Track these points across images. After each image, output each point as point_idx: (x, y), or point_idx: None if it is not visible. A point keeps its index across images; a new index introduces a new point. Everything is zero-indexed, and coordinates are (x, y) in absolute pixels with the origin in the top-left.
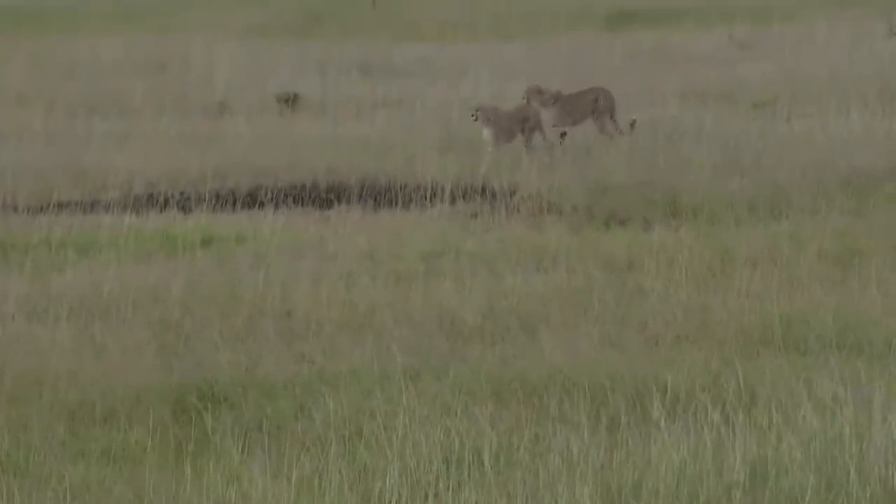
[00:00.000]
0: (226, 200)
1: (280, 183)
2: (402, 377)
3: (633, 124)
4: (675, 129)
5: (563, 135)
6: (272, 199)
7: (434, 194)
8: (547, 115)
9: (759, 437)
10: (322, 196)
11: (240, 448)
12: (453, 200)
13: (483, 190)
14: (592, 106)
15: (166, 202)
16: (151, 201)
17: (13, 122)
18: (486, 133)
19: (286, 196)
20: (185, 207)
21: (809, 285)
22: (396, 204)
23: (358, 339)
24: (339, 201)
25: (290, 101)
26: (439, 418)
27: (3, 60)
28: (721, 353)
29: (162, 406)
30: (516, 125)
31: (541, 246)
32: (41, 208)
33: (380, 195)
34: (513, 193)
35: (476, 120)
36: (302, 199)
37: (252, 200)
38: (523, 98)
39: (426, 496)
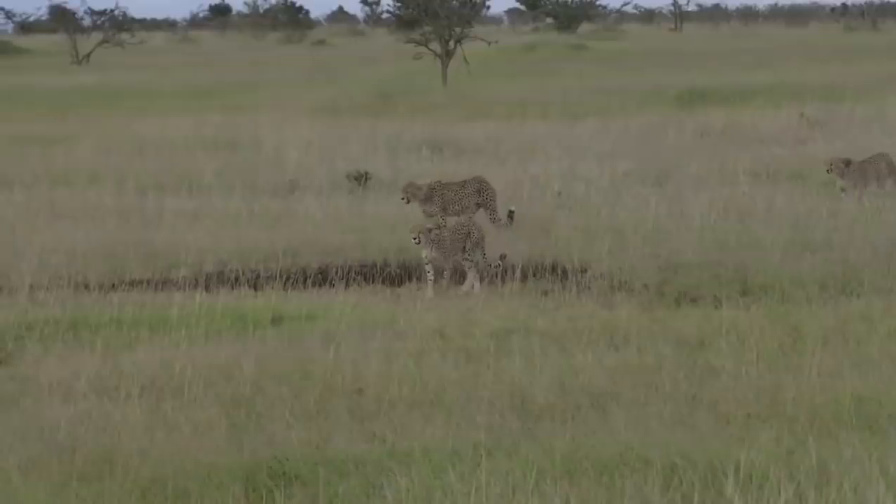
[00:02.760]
0: (296, 278)
1: (350, 261)
2: (473, 455)
3: (510, 215)
4: (745, 208)
5: (502, 257)
6: (342, 277)
7: (505, 272)
8: (425, 208)
9: None
10: (392, 274)
11: None
12: (524, 278)
13: (554, 268)
14: (475, 198)
15: (237, 280)
16: (222, 279)
17: (84, 200)
18: (428, 253)
19: (356, 274)
20: (255, 285)
21: (881, 364)
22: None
23: (429, 417)
24: (410, 279)
25: (361, 179)
26: (511, 496)
27: (74, 139)
28: (793, 432)
29: (233, 484)
30: (458, 243)
31: (612, 324)
32: (112, 286)
33: (451, 273)
34: (584, 271)
35: (418, 243)
36: (372, 277)
37: (322, 278)
38: (403, 198)
39: None
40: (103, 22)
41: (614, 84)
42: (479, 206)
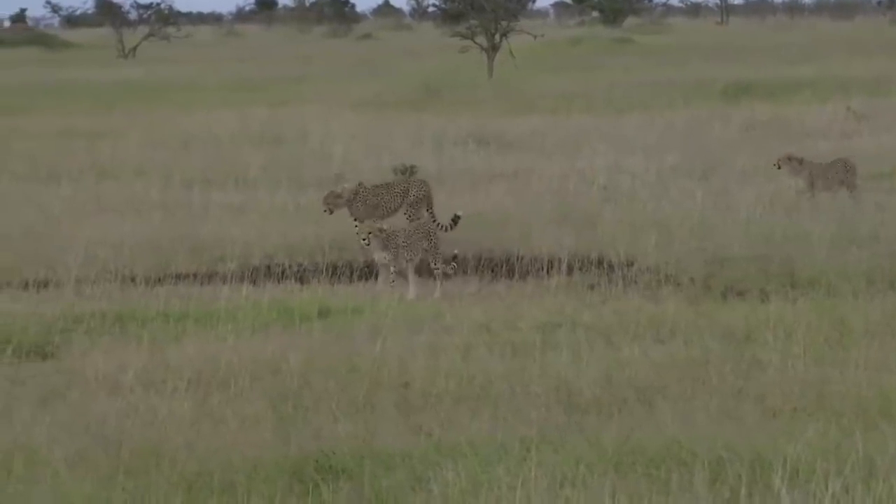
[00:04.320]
0: (343, 272)
1: None
2: (520, 449)
3: (455, 220)
4: (791, 202)
5: (454, 258)
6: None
7: (551, 266)
8: (352, 213)
9: None
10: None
11: None
12: (570, 272)
13: (600, 262)
14: (402, 198)
15: (283, 274)
16: (269, 273)
17: (131, 193)
18: (381, 255)
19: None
20: (302, 279)
21: None
22: (513, 276)
23: (475, 411)
24: (456, 273)
25: (407, 172)
26: (558, 490)
27: (120, 133)
28: (839, 426)
29: (280, 477)
30: (418, 243)
31: (658, 318)
32: (159, 280)
33: (496, 267)
34: (630, 265)
35: (368, 245)
36: (418, 270)
37: (369, 272)
38: (325, 210)
39: None
40: (149, 16)
41: (660, 78)
42: (408, 206)
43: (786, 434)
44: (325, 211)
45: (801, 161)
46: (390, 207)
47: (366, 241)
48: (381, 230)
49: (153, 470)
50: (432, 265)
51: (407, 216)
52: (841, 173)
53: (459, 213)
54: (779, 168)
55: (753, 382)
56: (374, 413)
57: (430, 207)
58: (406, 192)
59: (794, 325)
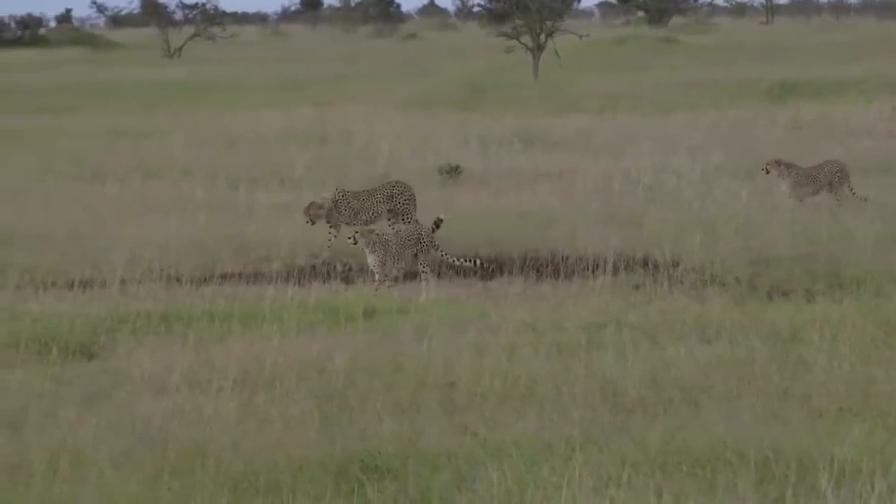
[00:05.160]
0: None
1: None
2: (565, 448)
3: (437, 223)
4: (835, 202)
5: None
6: (434, 270)
7: (596, 266)
8: (330, 219)
9: None
10: (484, 268)
11: None
12: (615, 272)
13: (645, 261)
14: (386, 204)
15: (329, 274)
16: (314, 273)
17: (176, 193)
18: (371, 259)
19: (448, 268)
20: (347, 279)
21: None
22: (558, 275)
23: (520, 411)
24: (501, 273)
25: (452, 172)
26: (604, 490)
27: (166, 132)
28: (885, 426)
29: (325, 477)
30: (408, 249)
31: (703, 317)
32: (204, 279)
33: (542, 267)
34: (676, 265)
35: (354, 244)
36: (464, 270)
37: (414, 272)
38: (307, 221)
39: None
40: (195, 16)
41: (705, 77)
42: (391, 212)
43: (831, 434)
44: (307, 222)
45: (788, 166)
46: (372, 213)
47: (352, 241)
48: (370, 231)
49: (198, 470)
50: (420, 266)
51: (391, 222)
52: (829, 175)
53: (442, 217)
54: (767, 173)
55: (799, 382)
56: (420, 413)
57: (412, 215)
58: (390, 197)
59: (840, 324)
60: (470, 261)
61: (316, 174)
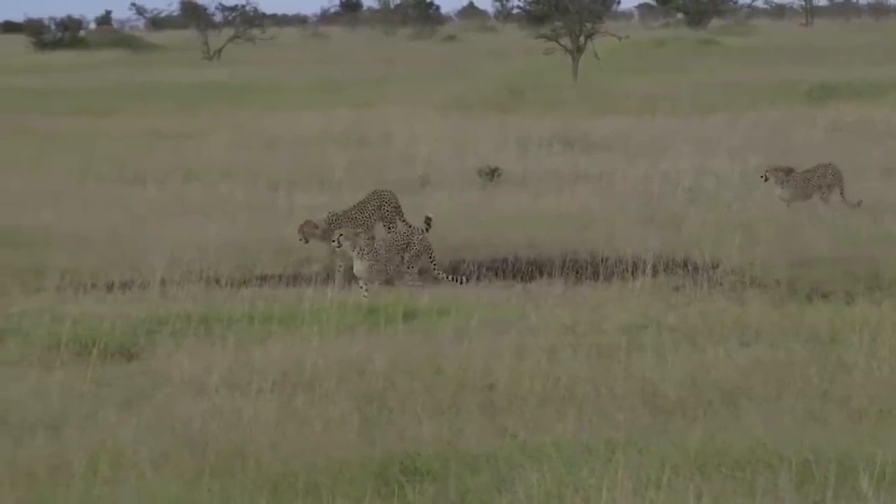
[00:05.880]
0: (427, 273)
1: (481, 257)
2: (605, 450)
3: (428, 221)
4: (877, 203)
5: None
6: (474, 272)
7: (636, 268)
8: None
9: None
10: (523, 270)
11: None
12: (655, 274)
13: (685, 263)
14: (377, 214)
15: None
16: (353, 275)
17: (216, 195)
18: (359, 266)
19: (487, 270)
20: (387, 281)
21: None
22: (598, 277)
23: (560, 413)
24: (541, 275)
25: (491, 174)
26: (644, 492)
27: (205, 134)
28: None
29: (364, 479)
30: (397, 254)
31: (743, 319)
32: (244, 281)
33: (581, 268)
34: (715, 267)
35: (339, 247)
36: (503, 272)
37: (454, 274)
38: (301, 238)
39: None
40: (234, 17)
41: (744, 79)
42: (381, 220)
43: (872, 436)
44: (300, 239)
45: (786, 172)
46: (368, 225)
47: (336, 244)
48: (356, 234)
49: (238, 471)
50: (407, 271)
51: (387, 229)
52: (822, 178)
53: (431, 215)
54: (766, 180)
55: (839, 384)
56: (459, 414)
57: (399, 217)
58: (379, 206)
59: (880, 326)
60: (456, 279)
61: (355, 176)
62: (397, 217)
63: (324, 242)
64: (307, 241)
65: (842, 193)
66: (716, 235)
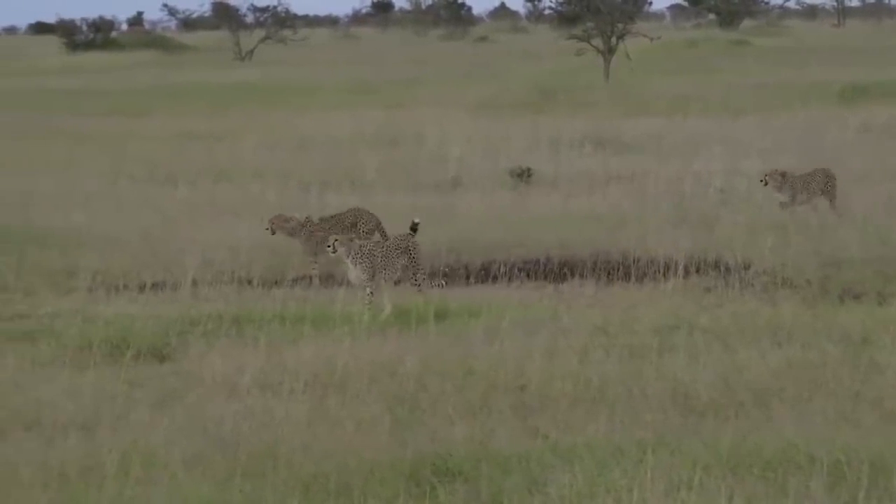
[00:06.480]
0: (459, 275)
1: (513, 257)
2: (636, 451)
3: (414, 227)
4: None
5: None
6: (506, 273)
7: (667, 268)
8: (303, 247)
9: None
10: (555, 270)
11: None
12: (686, 274)
13: (717, 264)
14: (350, 230)
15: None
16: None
17: (247, 195)
18: (356, 273)
19: (519, 270)
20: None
21: None
22: (629, 278)
23: (592, 414)
24: (573, 275)
25: (523, 175)
26: (675, 493)
27: (237, 135)
28: None
29: (396, 480)
30: (397, 259)
31: (775, 320)
32: (276, 282)
33: (613, 269)
34: (747, 268)
35: (334, 252)
36: (535, 273)
37: (485, 275)
38: (267, 228)
39: None
40: (266, 18)
41: (776, 80)
42: (354, 228)
43: None
44: (267, 229)
45: (783, 175)
46: (344, 229)
47: (331, 249)
48: (350, 240)
49: (270, 472)
50: (412, 281)
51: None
52: (821, 183)
53: (417, 220)
54: (766, 184)
55: (871, 385)
56: (491, 415)
57: (383, 236)
58: (354, 224)
59: None
60: (438, 284)
61: (387, 177)
62: (378, 229)
63: (291, 238)
64: (274, 233)
65: (833, 197)
66: (747, 236)
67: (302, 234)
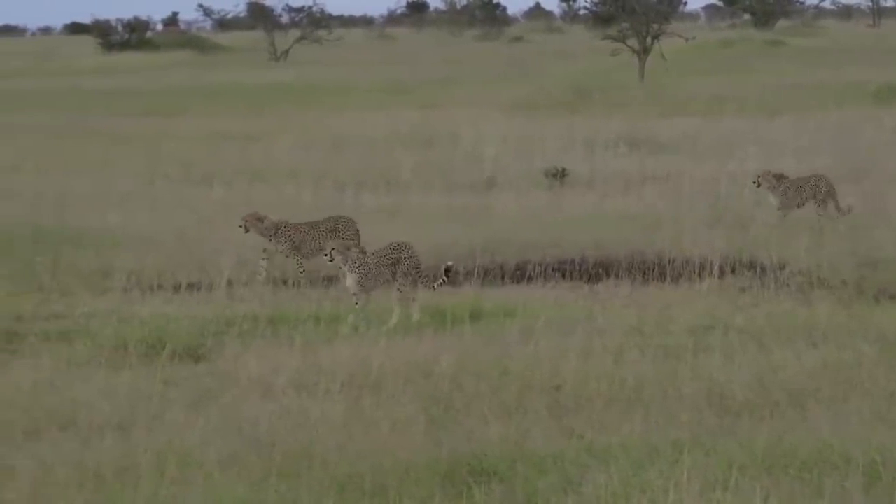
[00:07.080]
0: (494, 275)
1: (548, 257)
2: (671, 452)
3: (448, 270)
4: None
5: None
6: (541, 273)
7: (702, 269)
8: (276, 247)
9: None
10: (590, 270)
11: None
12: (722, 275)
13: (752, 264)
14: (328, 237)
15: (435, 276)
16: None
17: (283, 196)
18: (350, 280)
19: (554, 270)
20: (454, 282)
21: None
22: (665, 278)
23: (627, 414)
24: (608, 276)
25: (558, 175)
26: (711, 493)
27: (272, 135)
28: None
29: (431, 480)
30: (386, 269)
31: (810, 320)
32: (310, 282)
33: (648, 269)
34: (782, 268)
35: (331, 261)
36: (570, 273)
37: (521, 275)
38: (241, 225)
39: None
40: (301, 18)
41: (811, 80)
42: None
43: None
44: (240, 226)
45: (778, 177)
46: (314, 247)
47: (328, 257)
48: (347, 248)
49: (305, 472)
50: (397, 286)
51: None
52: (813, 189)
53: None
54: (758, 186)
55: None
56: (526, 415)
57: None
58: (334, 230)
59: None
60: (440, 282)
61: (422, 177)
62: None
63: (263, 237)
64: (247, 231)
65: (824, 204)
66: (782, 237)
67: (274, 236)
